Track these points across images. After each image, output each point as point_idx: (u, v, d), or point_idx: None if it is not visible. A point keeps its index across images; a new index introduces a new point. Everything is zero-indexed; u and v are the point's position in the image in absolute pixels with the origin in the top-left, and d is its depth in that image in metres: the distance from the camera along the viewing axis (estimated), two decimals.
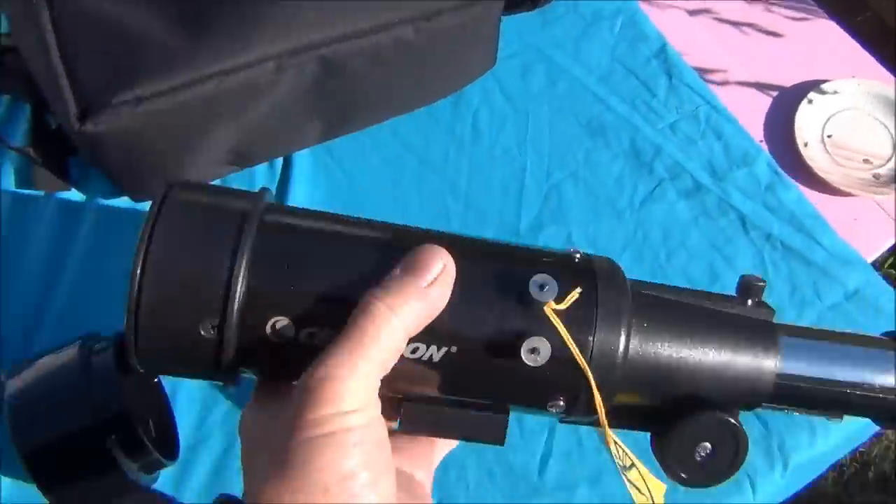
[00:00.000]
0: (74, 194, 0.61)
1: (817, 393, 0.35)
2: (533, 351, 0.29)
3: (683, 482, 0.34)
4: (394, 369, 0.27)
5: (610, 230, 0.57)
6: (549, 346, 0.29)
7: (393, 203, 0.62)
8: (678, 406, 0.33)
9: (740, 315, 0.35)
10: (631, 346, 0.31)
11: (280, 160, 0.63)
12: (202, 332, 0.28)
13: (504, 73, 0.67)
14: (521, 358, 0.29)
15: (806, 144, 0.79)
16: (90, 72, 0.52)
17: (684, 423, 0.33)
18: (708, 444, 0.33)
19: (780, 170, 0.64)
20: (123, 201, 0.60)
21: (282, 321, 0.29)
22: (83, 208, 0.60)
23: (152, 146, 0.54)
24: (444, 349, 0.29)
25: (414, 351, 0.29)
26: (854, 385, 0.35)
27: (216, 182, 0.61)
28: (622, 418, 0.34)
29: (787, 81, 0.93)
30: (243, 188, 0.61)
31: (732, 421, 0.34)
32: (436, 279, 0.28)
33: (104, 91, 0.51)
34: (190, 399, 0.53)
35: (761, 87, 0.92)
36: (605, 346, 0.31)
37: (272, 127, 0.57)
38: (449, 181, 0.63)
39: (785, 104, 0.90)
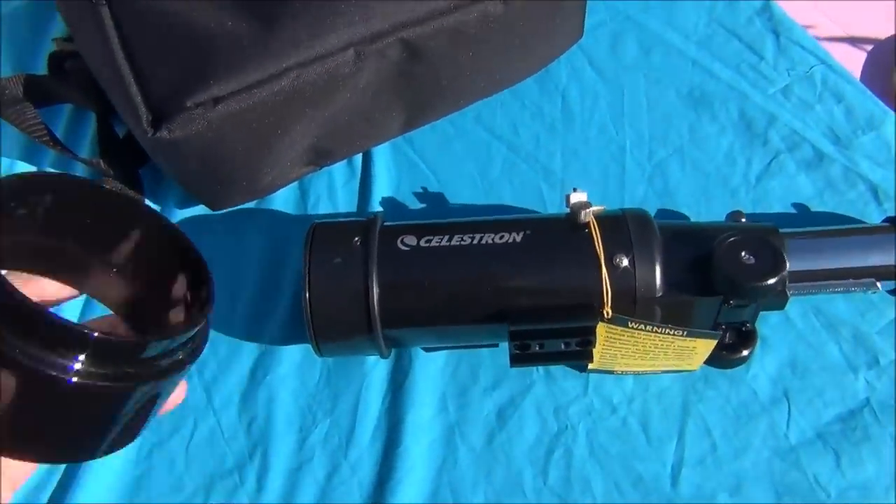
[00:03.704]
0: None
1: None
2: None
3: (733, 285, 0.43)
4: None
5: (724, 211, 0.51)
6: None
7: (483, 195, 0.57)
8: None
9: (746, 224, 0.49)
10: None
11: (359, 156, 0.59)
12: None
13: (592, 44, 0.62)
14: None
15: None
16: (160, 74, 0.48)
17: (729, 237, 0.44)
18: (751, 255, 0.43)
19: None
20: (199, 209, 0.57)
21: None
22: None
23: (230, 150, 0.50)
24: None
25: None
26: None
27: (294, 183, 0.57)
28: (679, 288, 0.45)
29: (882, 33, 0.86)
30: (323, 190, 0.58)
31: (769, 239, 0.45)
32: None
33: (177, 94, 0.47)
34: (288, 421, 0.50)
35: (855, 41, 0.85)
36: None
37: (353, 120, 0.53)
38: (542, 167, 0.58)
39: (882, 57, 0.83)
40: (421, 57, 0.51)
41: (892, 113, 0.58)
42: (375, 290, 0.45)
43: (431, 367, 0.51)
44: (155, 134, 0.47)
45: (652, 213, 0.51)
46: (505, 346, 0.45)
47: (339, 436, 0.49)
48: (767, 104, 0.59)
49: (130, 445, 0.32)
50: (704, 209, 0.55)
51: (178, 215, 0.57)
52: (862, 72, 0.87)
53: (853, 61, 0.87)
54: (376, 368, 0.51)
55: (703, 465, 0.47)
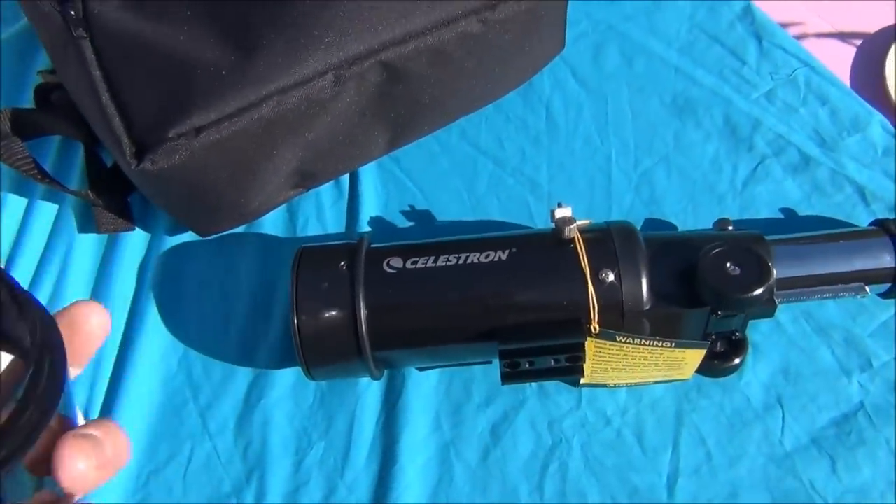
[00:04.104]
0: (139, 234, 0.58)
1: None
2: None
3: (719, 297, 0.43)
4: None
5: (712, 218, 0.51)
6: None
7: (471, 210, 0.57)
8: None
9: (732, 232, 0.50)
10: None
11: (346, 177, 0.59)
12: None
13: (574, 55, 0.62)
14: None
15: None
16: (142, 105, 0.48)
17: (714, 248, 0.44)
18: (736, 266, 0.43)
19: None
20: (189, 235, 0.57)
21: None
22: (149, 247, 0.57)
23: (214, 178, 0.50)
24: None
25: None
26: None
27: (282, 206, 0.58)
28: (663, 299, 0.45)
29: (871, 27, 0.86)
30: (311, 212, 0.58)
31: (754, 248, 0.45)
32: None
33: (159, 125, 0.47)
34: (283, 444, 0.50)
35: (844, 36, 0.85)
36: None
37: (336, 142, 0.53)
38: (528, 181, 0.58)
39: (872, 52, 0.82)
40: (401, 78, 0.51)
41: (877, 113, 0.58)
42: (363, 314, 0.45)
43: (424, 385, 0.51)
44: (139, 165, 0.47)
45: (639, 222, 0.51)
46: (497, 361, 0.45)
47: (334, 457, 0.50)
48: (752, 109, 0.59)
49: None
50: (692, 217, 0.55)
51: (168, 242, 0.57)
52: (852, 67, 0.87)
53: (842, 57, 0.87)
54: (370, 389, 0.51)
55: (698, 475, 0.47)
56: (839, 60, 0.84)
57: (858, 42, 0.87)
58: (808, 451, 0.47)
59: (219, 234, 0.56)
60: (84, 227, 0.58)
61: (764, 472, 0.47)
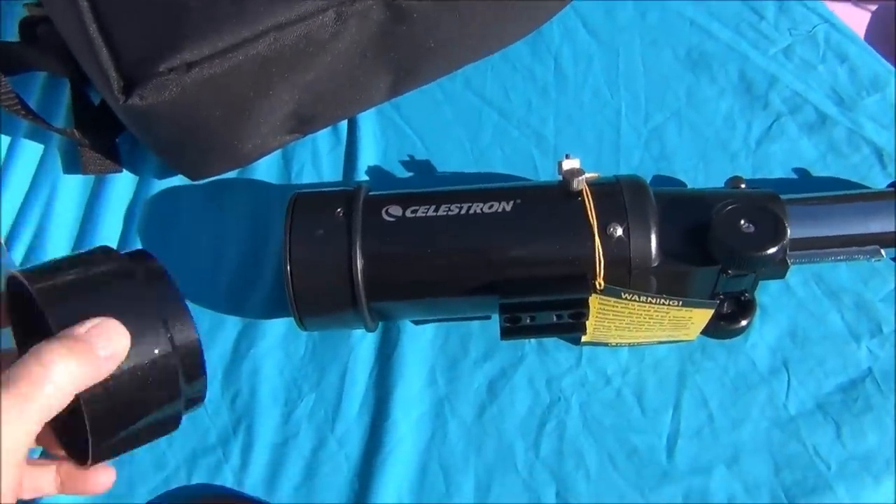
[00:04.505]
0: (126, 176, 0.56)
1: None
2: None
3: (732, 255, 0.41)
4: None
5: (723, 176, 0.49)
6: None
7: (473, 162, 0.55)
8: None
9: (746, 190, 0.48)
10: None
11: (344, 123, 0.57)
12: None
13: (586, 5, 0.60)
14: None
15: None
16: (131, 38, 0.46)
17: (728, 205, 0.42)
18: (750, 224, 0.42)
19: None
20: (179, 179, 0.55)
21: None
22: (137, 190, 0.55)
23: (206, 117, 0.48)
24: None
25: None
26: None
27: (277, 152, 0.55)
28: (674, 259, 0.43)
29: None
30: (307, 158, 0.56)
31: (769, 207, 0.43)
32: (112, 355, 0.28)
33: (148, 59, 0.45)
34: (273, 395, 0.48)
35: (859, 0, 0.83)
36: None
37: (335, 85, 0.51)
38: (534, 133, 0.56)
39: (887, 15, 0.80)
40: (405, 18, 0.49)
41: None
42: (359, 263, 0.43)
43: (420, 339, 0.49)
44: (127, 100, 0.45)
45: (648, 179, 0.49)
46: (496, 317, 0.44)
47: (325, 410, 0.48)
48: (768, 65, 0.57)
49: None
50: (703, 175, 0.54)
51: (157, 186, 0.55)
52: (866, 31, 0.84)
53: (857, 21, 0.84)
54: (363, 341, 0.50)
55: (699, 437, 0.46)
56: (853, 24, 0.82)
57: (873, 7, 0.85)
58: (812, 416, 0.46)
59: (210, 179, 0.54)
60: (69, 167, 0.56)
61: (767, 436, 0.46)
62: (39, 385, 0.26)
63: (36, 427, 0.26)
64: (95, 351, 0.28)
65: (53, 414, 0.27)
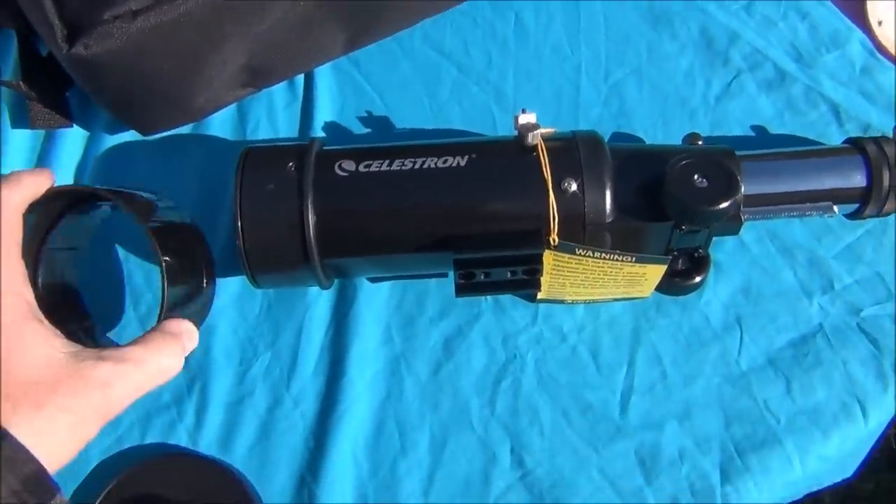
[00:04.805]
0: (77, 131, 0.54)
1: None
2: None
3: (684, 210, 0.41)
4: None
5: (682, 133, 0.49)
6: None
7: (432, 118, 0.54)
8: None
9: (701, 147, 0.48)
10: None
11: (301, 78, 0.55)
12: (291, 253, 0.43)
13: None
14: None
15: (880, 23, 0.70)
16: None
17: (682, 160, 0.42)
18: (704, 179, 0.42)
19: (875, 50, 0.55)
20: (130, 134, 0.54)
21: None
22: (88, 145, 0.54)
23: (155, 68, 0.46)
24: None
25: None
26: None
27: (232, 107, 0.54)
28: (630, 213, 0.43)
29: None
30: (263, 114, 0.55)
31: (724, 162, 0.43)
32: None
33: (92, 6, 0.43)
34: (227, 354, 0.48)
35: None
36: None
37: (290, 37, 0.50)
38: (493, 89, 0.55)
39: None
40: None
41: (857, 30, 0.56)
42: (311, 218, 0.43)
43: (376, 297, 0.49)
44: (70, 49, 0.44)
45: (607, 135, 0.49)
46: (453, 275, 0.44)
47: (280, 368, 0.48)
48: (730, 21, 0.56)
49: None
50: (662, 131, 0.53)
51: (108, 141, 0.54)
52: None
53: None
54: (319, 299, 0.49)
55: (652, 393, 0.47)
56: None
57: None
58: (764, 371, 0.47)
59: (162, 134, 0.53)
60: (17, 121, 0.54)
61: (718, 392, 0.46)
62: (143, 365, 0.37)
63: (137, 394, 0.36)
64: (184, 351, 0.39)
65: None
